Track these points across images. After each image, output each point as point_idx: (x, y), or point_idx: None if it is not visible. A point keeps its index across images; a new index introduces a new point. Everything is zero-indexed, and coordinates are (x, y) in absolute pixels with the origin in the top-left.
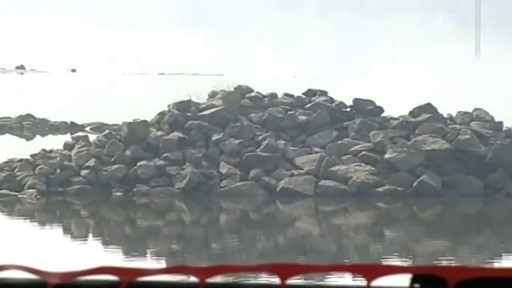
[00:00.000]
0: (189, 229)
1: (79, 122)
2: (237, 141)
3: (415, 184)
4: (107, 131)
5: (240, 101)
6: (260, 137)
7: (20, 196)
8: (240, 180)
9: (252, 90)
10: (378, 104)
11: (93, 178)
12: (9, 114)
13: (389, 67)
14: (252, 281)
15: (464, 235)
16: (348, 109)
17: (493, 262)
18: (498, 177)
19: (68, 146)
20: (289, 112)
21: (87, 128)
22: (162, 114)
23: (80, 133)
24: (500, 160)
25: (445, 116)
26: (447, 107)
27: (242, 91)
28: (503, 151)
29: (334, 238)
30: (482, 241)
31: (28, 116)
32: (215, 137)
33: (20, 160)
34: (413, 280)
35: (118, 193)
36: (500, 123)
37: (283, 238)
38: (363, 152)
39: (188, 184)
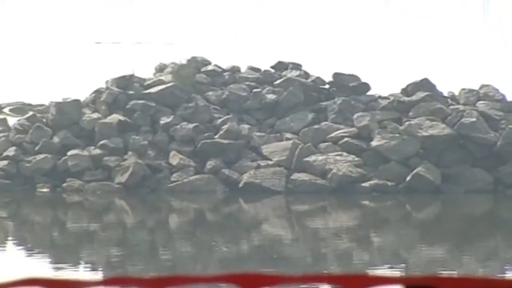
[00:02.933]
0: (132, 233)
1: None
2: (191, 126)
3: (408, 178)
4: (30, 113)
5: (194, 76)
6: (219, 121)
7: None
8: (195, 173)
9: (209, 63)
10: (363, 78)
11: (13, 171)
12: None
13: (381, 27)
14: None
15: (468, 241)
16: (327, 86)
17: (504, 274)
18: (510, 169)
19: None
20: (254, 90)
21: (6, 110)
22: (98, 92)
23: None
24: None
25: (445, 94)
26: (447, 83)
27: (196, 64)
28: None
29: (310, 244)
30: (491, 249)
31: None
32: (163, 120)
33: None
34: None
35: (44, 189)
36: None
37: (247, 245)
38: (346, 139)
39: (131, 178)
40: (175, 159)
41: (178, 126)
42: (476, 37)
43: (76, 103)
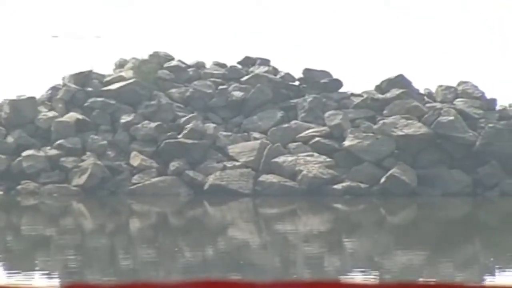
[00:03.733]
0: (90, 238)
1: None
2: (153, 125)
3: (383, 179)
4: None
5: (156, 72)
6: (183, 119)
7: None
8: (157, 175)
9: (172, 58)
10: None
11: None
12: None
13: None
14: None
15: (445, 247)
16: (297, 83)
17: (482, 281)
18: (490, 170)
19: None
20: (220, 87)
21: None
22: (55, 89)
23: None
24: (493, 149)
25: (422, 91)
26: (424, 79)
27: (159, 59)
28: (496, 137)
29: (279, 250)
30: (469, 255)
31: None
32: (124, 119)
33: None
34: None
35: None
36: (493, 100)
37: (212, 250)
38: (316, 139)
39: (89, 180)
40: (136, 160)
41: (140, 125)
42: (455, 32)
43: (31, 101)
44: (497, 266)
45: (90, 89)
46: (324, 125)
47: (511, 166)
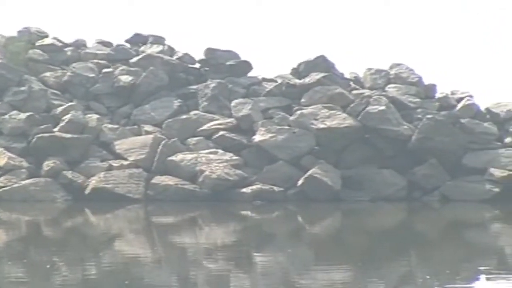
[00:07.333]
0: None
1: None
2: (23, 116)
3: (300, 181)
4: None
5: (26, 52)
6: (60, 109)
7: None
8: (29, 176)
9: (46, 35)
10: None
11: None
12: None
13: None
14: None
15: (374, 263)
16: (198, 65)
17: None
18: (428, 171)
19: None
20: (104, 70)
21: None
22: None
23: None
24: (432, 145)
25: (347, 76)
26: (350, 61)
27: (30, 36)
28: (436, 131)
29: (175, 267)
30: (402, 272)
31: None
32: None
33: None
34: None
35: None
36: (432, 86)
37: (93, 268)
38: (221, 133)
39: None
40: (2, 158)
41: (7, 116)
42: (386, 8)
43: None
44: (435, 285)
45: None
46: (231, 116)
47: (453, 165)
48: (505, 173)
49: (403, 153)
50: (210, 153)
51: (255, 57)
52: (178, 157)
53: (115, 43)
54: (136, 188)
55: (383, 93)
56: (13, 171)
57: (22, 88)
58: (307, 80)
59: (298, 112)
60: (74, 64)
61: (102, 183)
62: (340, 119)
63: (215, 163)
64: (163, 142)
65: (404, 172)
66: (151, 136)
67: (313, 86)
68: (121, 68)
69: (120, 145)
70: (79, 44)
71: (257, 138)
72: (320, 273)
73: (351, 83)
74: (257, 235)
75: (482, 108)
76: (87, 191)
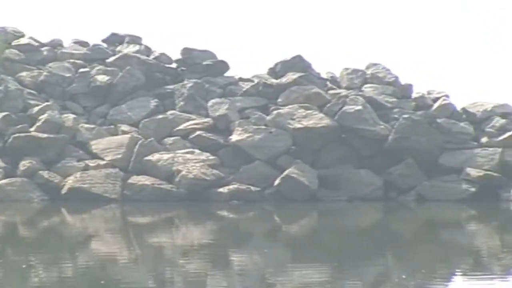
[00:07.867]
0: None
1: None
2: None
3: (277, 181)
4: None
5: (3, 52)
6: (36, 109)
7: None
8: (4, 176)
9: (22, 35)
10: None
11: None
12: None
13: None
14: None
15: (351, 263)
16: (175, 65)
17: None
18: (405, 170)
19: None
20: (81, 70)
21: None
22: None
23: None
24: (408, 145)
25: (324, 75)
26: (327, 61)
27: (6, 36)
28: (413, 130)
29: (151, 267)
30: (378, 272)
31: None
32: None
33: None
34: None
35: None
36: (408, 86)
37: (70, 266)
38: (198, 132)
39: None
40: None
41: None
42: (362, 8)
43: None
44: (411, 284)
45: None
46: (207, 116)
47: (430, 165)
48: (481, 173)
49: (380, 153)
50: (187, 153)
51: (232, 57)
52: (154, 157)
53: (91, 43)
54: (112, 188)
55: (360, 93)
56: None
57: None
58: (283, 80)
59: (275, 112)
60: (50, 64)
61: (79, 183)
62: (316, 119)
63: (192, 163)
64: (139, 142)
65: (380, 172)
66: (128, 136)
67: (289, 86)
68: (97, 68)
69: (96, 145)
70: (56, 44)
71: (234, 138)
72: (297, 272)
73: (328, 83)
74: (233, 235)
75: (459, 108)
76: (63, 191)
